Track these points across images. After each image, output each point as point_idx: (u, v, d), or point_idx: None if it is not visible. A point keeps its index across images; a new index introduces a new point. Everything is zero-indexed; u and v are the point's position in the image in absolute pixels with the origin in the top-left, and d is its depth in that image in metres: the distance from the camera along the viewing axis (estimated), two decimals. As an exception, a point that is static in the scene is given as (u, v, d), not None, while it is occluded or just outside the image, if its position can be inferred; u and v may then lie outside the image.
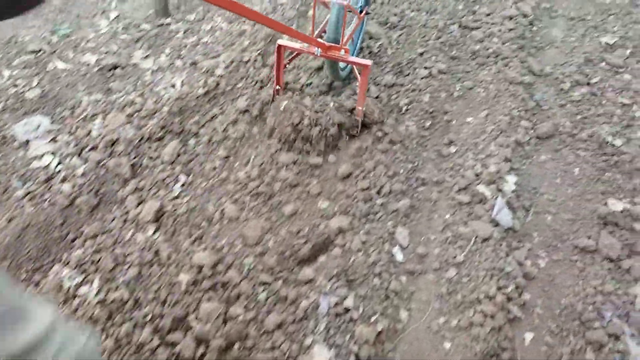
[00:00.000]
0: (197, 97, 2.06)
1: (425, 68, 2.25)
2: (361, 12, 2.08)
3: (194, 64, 2.29)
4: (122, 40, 2.55)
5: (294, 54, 1.99)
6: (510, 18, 2.54)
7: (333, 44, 1.72)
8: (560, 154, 1.96)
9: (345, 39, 1.75)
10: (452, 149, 1.95)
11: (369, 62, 1.74)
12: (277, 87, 1.94)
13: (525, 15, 2.60)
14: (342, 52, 1.74)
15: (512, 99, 2.10)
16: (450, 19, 2.61)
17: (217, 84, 2.08)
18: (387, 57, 2.34)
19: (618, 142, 1.98)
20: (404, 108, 2.07)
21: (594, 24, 2.64)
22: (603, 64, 2.38)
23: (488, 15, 2.64)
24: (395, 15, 2.63)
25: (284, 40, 1.81)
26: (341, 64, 2.02)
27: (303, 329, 1.41)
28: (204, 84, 2.11)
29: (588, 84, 2.27)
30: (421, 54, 2.32)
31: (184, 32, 2.60)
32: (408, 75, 2.22)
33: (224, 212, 1.68)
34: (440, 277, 1.57)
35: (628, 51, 2.46)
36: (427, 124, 2.03)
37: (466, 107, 2.13)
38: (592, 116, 2.11)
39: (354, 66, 1.96)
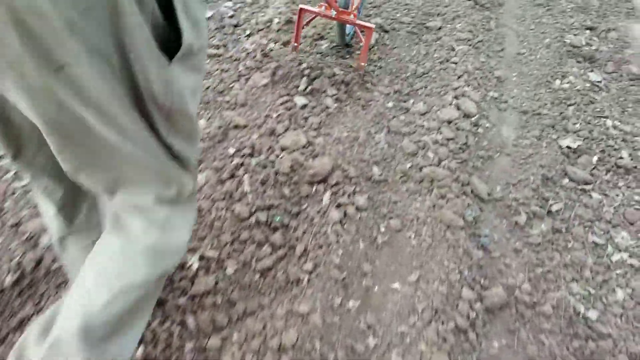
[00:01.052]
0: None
1: (339, 206, 1.72)
2: None
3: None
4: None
5: (312, 16, 2.38)
6: (450, 122, 2.06)
7: (344, 9, 2.14)
8: (518, 339, 1.43)
9: (353, 6, 2.19)
10: (371, 343, 1.40)
11: (372, 25, 2.19)
12: (295, 44, 2.35)
13: (468, 116, 2.13)
14: (352, 16, 2.16)
15: (451, 252, 1.59)
16: (377, 122, 2.12)
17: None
18: (275, 197, 1.81)
19: (593, 314, 1.47)
20: (305, 280, 1.52)
21: (551, 121, 2.19)
22: (566, 180, 1.91)
23: (423, 115, 2.16)
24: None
25: (305, 5, 2.23)
26: (347, 30, 2.42)
27: None
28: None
29: (549, 213, 1.78)
30: (333, 186, 1.80)
31: None
32: (312, 225, 1.68)
33: None
34: None
35: (595, 158, 2.00)
36: (337, 301, 1.49)
37: (392, 262, 1.61)
38: (557, 268, 1.61)
39: (358, 29, 2.37)
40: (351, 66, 2.37)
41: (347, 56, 2.52)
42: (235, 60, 2.41)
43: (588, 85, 2.40)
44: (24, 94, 0.56)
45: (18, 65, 0.52)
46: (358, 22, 2.19)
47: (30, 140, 0.77)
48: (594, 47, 2.71)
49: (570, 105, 2.28)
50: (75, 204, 0.96)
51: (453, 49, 2.54)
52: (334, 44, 2.57)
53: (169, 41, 0.60)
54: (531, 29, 2.94)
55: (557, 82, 2.44)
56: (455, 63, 2.41)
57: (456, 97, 2.20)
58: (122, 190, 0.77)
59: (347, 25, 2.39)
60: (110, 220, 0.83)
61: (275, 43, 2.51)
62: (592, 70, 2.52)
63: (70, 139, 0.64)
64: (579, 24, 2.95)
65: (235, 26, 2.68)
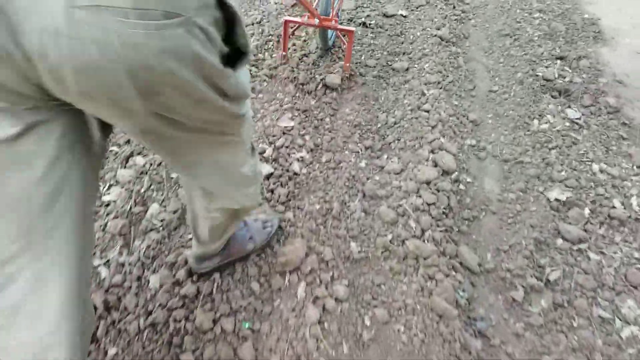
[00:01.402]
0: None
1: (316, 300, 1.52)
2: None
3: None
4: None
5: (296, 26, 2.61)
6: (429, 183, 1.89)
7: (325, 17, 2.32)
8: None
9: (333, 13, 2.38)
10: None
11: (353, 28, 2.37)
12: (284, 53, 2.55)
13: (447, 172, 1.96)
14: (333, 22, 2.34)
15: (447, 348, 1.40)
16: (351, 187, 1.93)
17: None
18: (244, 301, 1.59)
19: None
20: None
21: (535, 170, 2.05)
22: (559, 240, 1.76)
23: (399, 174, 1.99)
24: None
25: (289, 17, 2.45)
26: (328, 34, 2.60)
27: None
28: None
29: (547, 283, 1.62)
30: (308, 274, 1.59)
31: None
32: (287, 328, 1.47)
33: None
34: None
35: (586, 210, 1.86)
36: None
37: (383, 365, 1.40)
38: (564, 354, 1.43)
39: (340, 33, 2.54)
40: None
41: (332, 63, 2.64)
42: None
43: (567, 124, 2.28)
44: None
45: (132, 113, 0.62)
46: (339, 27, 2.37)
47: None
48: (567, 79, 2.61)
49: (552, 149, 2.15)
50: None
51: (424, 94, 2.39)
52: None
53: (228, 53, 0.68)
54: (500, 62, 2.84)
55: (536, 122, 2.32)
56: (428, 111, 2.26)
57: (432, 152, 2.04)
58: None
59: (329, 33, 2.63)
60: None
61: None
62: (569, 106, 2.41)
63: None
64: (548, 53, 2.87)
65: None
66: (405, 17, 3.24)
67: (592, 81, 2.63)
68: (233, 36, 0.67)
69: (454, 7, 3.42)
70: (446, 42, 2.93)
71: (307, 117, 2.26)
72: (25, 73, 0.55)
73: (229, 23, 0.65)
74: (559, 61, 2.82)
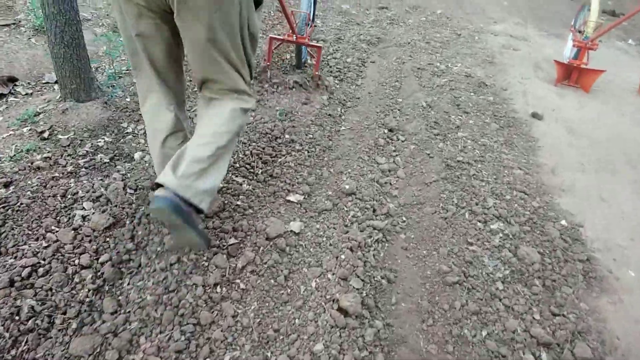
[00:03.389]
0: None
1: None
2: (313, 16, 3.61)
3: None
4: None
5: (279, 43, 3.35)
6: None
7: (301, 36, 3.15)
8: None
9: (306, 33, 3.22)
10: None
11: (321, 45, 3.22)
12: (267, 63, 3.28)
13: None
14: (306, 40, 3.19)
15: None
16: None
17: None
18: None
19: None
20: None
21: None
22: None
23: None
24: None
25: (273, 35, 3.24)
26: (302, 55, 3.39)
27: None
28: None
29: None
30: None
31: None
32: None
33: None
34: None
35: None
36: None
37: None
38: None
39: (309, 49, 3.49)
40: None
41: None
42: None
43: None
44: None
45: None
46: (310, 43, 3.21)
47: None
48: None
49: None
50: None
51: None
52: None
53: None
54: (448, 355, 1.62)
55: None
56: None
57: None
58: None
59: (303, 51, 3.35)
60: (205, 101, 1.63)
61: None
62: None
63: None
64: (522, 330, 1.70)
65: None
66: (298, 234, 2.07)
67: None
68: None
69: (374, 212, 2.28)
70: (347, 315, 1.70)
71: None
72: None
73: None
74: (544, 354, 1.65)
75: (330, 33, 4.51)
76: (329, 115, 3.09)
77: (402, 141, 2.95)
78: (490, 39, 5.04)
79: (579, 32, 4.22)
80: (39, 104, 2.69)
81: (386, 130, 3.00)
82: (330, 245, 2.01)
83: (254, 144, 2.63)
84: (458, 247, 2.14)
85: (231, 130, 1.55)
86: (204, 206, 1.46)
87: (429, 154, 2.81)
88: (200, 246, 1.53)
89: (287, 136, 2.75)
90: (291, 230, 2.08)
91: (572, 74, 4.06)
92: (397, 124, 3.10)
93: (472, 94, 3.69)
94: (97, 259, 1.77)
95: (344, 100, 3.34)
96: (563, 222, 2.40)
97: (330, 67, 3.77)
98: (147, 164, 2.32)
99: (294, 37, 3.12)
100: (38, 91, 2.89)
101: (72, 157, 2.29)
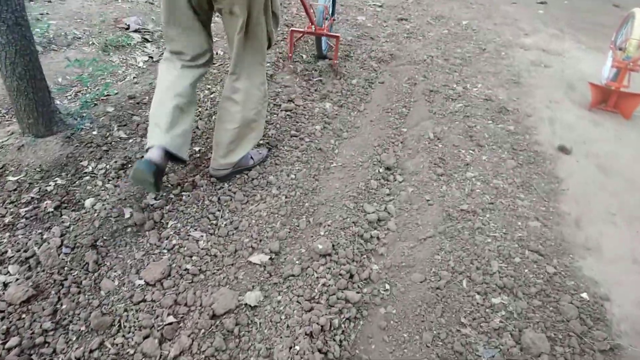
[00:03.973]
0: None
1: None
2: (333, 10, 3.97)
3: None
4: None
5: (300, 35, 3.67)
6: None
7: (319, 27, 3.42)
8: None
9: (325, 25, 3.49)
10: None
11: (339, 34, 3.58)
12: (290, 54, 3.63)
13: None
14: (325, 30, 3.48)
15: None
16: None
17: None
18: None
19: None
20: None
21: None
22: None
23: None
24: None
25: (295, 28, 3.59)
26: (323, 45, 3.70)
27: None
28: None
29: None
30: None
31: None
32: None
33: None
34: None
35: None
36: None
37: None
38: None
39: (329, 39, 3.79)
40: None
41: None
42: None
43: None
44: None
45: None
46: (329, 34, 3.52)
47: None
48: None
49: None
50: None
51: None
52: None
53: None
54: None
55: None
56: None
57: None
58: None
59: (323, 42, 3.68)
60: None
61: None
62: None
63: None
64: None
65: None
66: (254, 308, 1.75)
67: None
68: None
69: (351, 278, 1.94)
70: None
71: None
72: None
73: None
74: None
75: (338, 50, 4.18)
76: (319, 149, 2.77)
77: (400, 182, 2.59)
78: (518, 54, 4.57)
79: (620, 49, 3.71)
80: (2, 136, 2.49)
81: (382, 169, 2.65)
82: (288, 327, 1.68)
83: (224, 187, 2.33)
84: (447, 330, 1.77)
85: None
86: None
87: (428, 200, 2.44)
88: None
89: (264, 177, 2.44)
90: (246, 304, 1.77)
91: (610, 98, 3.56)
92: (396, 160, 2.73)
93: (489, 121, 3.28)
94: (4, 343, 1.51)
95: (341, 129, 3.01)
96: (584, 294, 1.99)
97: (329, 91, 3.44)
98: (96, 214, 2.06)
99: (313, 29, 3.42)
100: (7, 120, 2.69)
101: (15, 205, 2.06)
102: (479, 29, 5.12)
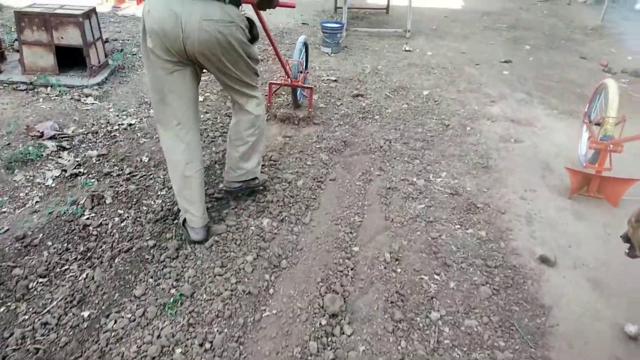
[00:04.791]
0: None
1: None
2: (306, 64, 4.45)
3: None
4: None
5: (277, 87, 4.25)
6: None
7: (294, 79, 3.90)
8: None
9: (300, 77, 3.98)
10: None
11: (312, 86, 4.11)
12: (269, 104, 4.06)
13: None
14: (300, 82, 3.97)
15: None
16: None
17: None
18: None
19: None
20: None
21: None
22: None
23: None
24: None
25: (273, 80, 4.16)
26: (298, 95, 4.19)
27: None
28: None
29: None
30: None
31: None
32: None
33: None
34: None
35: None
36: None
37: None
38: None
39: (304, 90, 4.28)
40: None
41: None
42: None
43: None
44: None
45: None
46: (303, 85, 4.01)
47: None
48: None
49: None
50: None
51: None
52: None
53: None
54: None
55: None
56: None
57: None
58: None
59: (298, 93, 4.16)
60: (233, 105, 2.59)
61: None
62: None
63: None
64: None
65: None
66: None
67: None
68: (252, 31, 2.25)
69: None
70: None
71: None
72: (180, 44, 2.04)
73: (251, 25, 2.23)
74: None
75: (285, 145, 3.74)
76: (249, 293, 2.23)
77: (348, 336, 2.06)
78: (485, 127, 4.18)
79: (597, 124, 3.32)
80: None
81: (324, 321, 2.12)
82: None
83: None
84: None
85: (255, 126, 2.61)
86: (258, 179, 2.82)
87: (382, 367, 1.89)
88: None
89: (169, 351, 1.88)
90: None
91: (592, 182, 3.13)
92: (342, 302, 2.21)
93: (457, 226, 2.80)
94: None
95: (279, 256, 2.49)
96: None
97: (269, 200, 2.95)
98: None
99: (289, 81, 3.87)
100: None
101: None
102: (441, 100, 4.77)
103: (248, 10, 2.61)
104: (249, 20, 2.24)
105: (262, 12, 2.84)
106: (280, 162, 3.43)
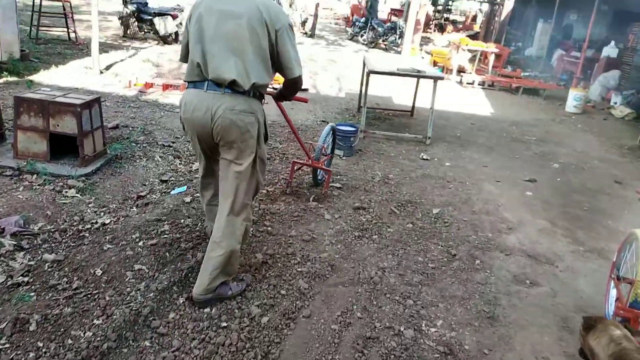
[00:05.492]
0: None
1: None
2: (332, 149, 5.01)
3: None
4: None
5: (300, 166, 4.62)
6: None
7: (316, 161, 4.33)
8: None
9: (321, 160, 4.44)
10: None
11: (331, 169, 4.63)
12: (290, 180, 4.43)
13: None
14: (321, 164, 4.40)
15: None
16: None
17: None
18: None
19: None
20: None
21: None
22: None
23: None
24: None
25: (295, 160, 4.51)
26: (319, 175, 4.57)
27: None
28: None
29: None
30: None
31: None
32: None
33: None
34: None
35: None
36: None
37: None
38: None
39: (324, 172, 4.57)
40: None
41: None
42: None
43: None
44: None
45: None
46: (324, 167, 4.39)
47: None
48: None
49: None
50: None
51: None
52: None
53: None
54: None
55: None
56: None
57: None
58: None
59: (319, 173, 4.54)
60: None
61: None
62: None
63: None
64: None
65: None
66: None
67: None
68: (265, 128, 2.74)
69: None
70: None
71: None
72: (209, 129, 2.57)
73: (265, 127, 2.75)
74: None
75: (262, 265, 3.34)
76: None
77: None
78: (497, 262, 3.67)
79: (629, 282, 2.77)
80: None
81: None
82: None
83: None
84: None
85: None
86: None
87: None
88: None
89: None
90: None
91: None
92: None
93: (443, 407, 2.21)
94: None
95: None
96: None
97: (217, 344, 2.48)
98: None
99: (310, 162, 4.31)
100: None
101: None
102: (451, 221, 4.32)
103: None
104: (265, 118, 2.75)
105: (282, 104, 3.45)
106: (250, 288, 3.00)
